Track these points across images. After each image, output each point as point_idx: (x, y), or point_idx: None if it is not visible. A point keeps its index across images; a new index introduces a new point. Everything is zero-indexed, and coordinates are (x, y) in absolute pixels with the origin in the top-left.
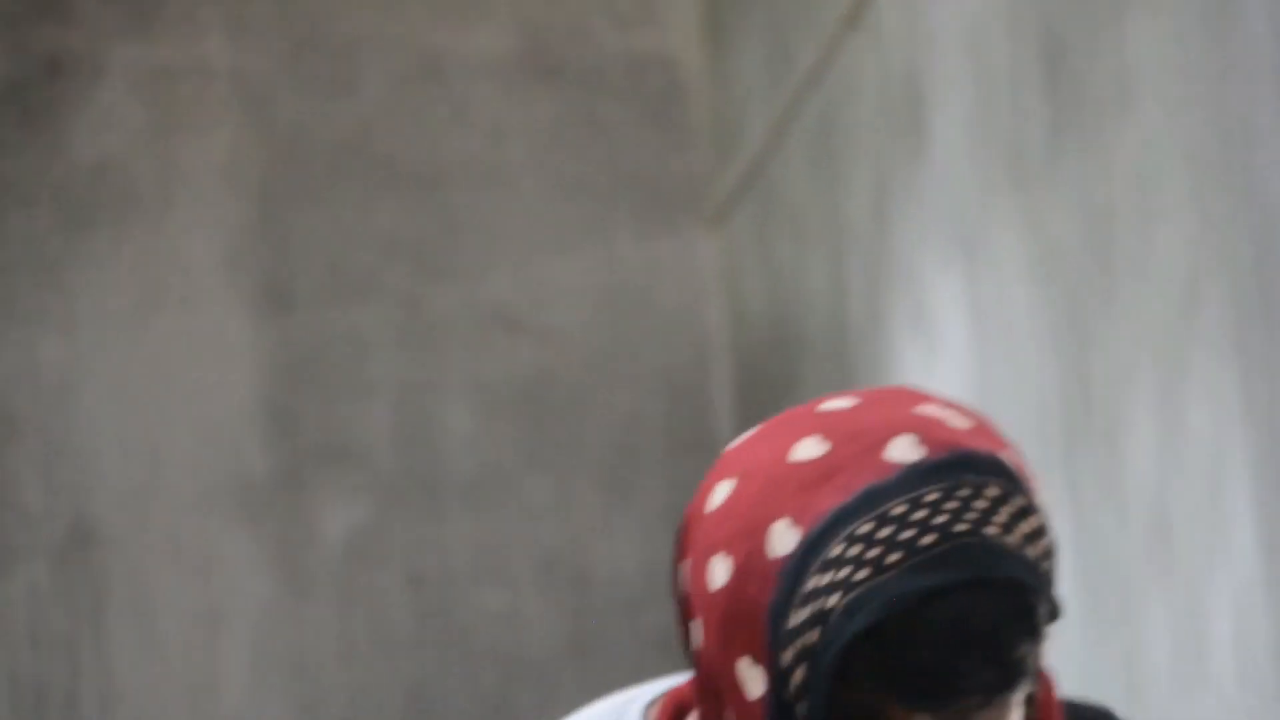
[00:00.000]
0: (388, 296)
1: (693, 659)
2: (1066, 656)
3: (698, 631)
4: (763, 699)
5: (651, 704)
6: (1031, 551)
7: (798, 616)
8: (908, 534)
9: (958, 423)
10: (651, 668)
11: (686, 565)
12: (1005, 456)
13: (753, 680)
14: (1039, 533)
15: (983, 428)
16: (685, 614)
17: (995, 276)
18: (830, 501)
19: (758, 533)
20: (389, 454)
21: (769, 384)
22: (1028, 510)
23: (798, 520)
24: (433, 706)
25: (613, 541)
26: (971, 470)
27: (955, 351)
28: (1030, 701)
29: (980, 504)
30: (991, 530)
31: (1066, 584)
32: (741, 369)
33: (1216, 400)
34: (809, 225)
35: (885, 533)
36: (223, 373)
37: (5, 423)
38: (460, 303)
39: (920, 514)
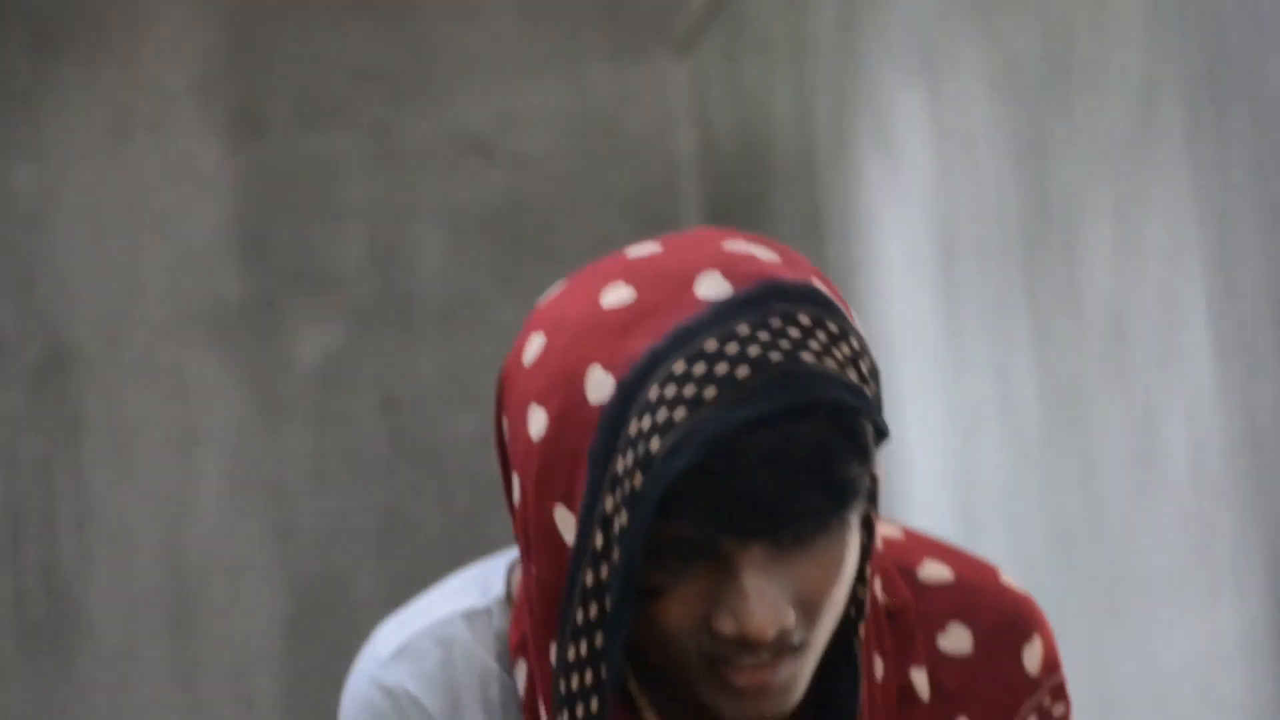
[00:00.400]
0: (360, 122)
1: (512, 513)
2: (1026, 464)
3: (516, 485)
4: (574, 547)
5: (514, 565)
6: (852, 374)
7: (621, 463)
8: (722, 368)
9: (765, 255)
10: None
11: (505, 420)
12: (816, 283)
13: (566, 528)
14: (858, 355)
15: (790, 259)
16: (505, 469)
17: (957, 93)
18: (642, 344)
19: (574, 382)
20: (362, 279)
21: (738, 206)
22: (843, 334)
23: (611, 366)
24: (406, 527)
25: None
26: (782, 299)
27: (918, 168)
28: (868, 526)
29: (793, 332)
30: (807, 356)
31: (1027, 392)
32: (710, 192)
33: (1171, 208)
34: (776, 49)
35: (700, 369)
36: (196, 198)
37: None
38: (432, 129)
39: (733, 347)
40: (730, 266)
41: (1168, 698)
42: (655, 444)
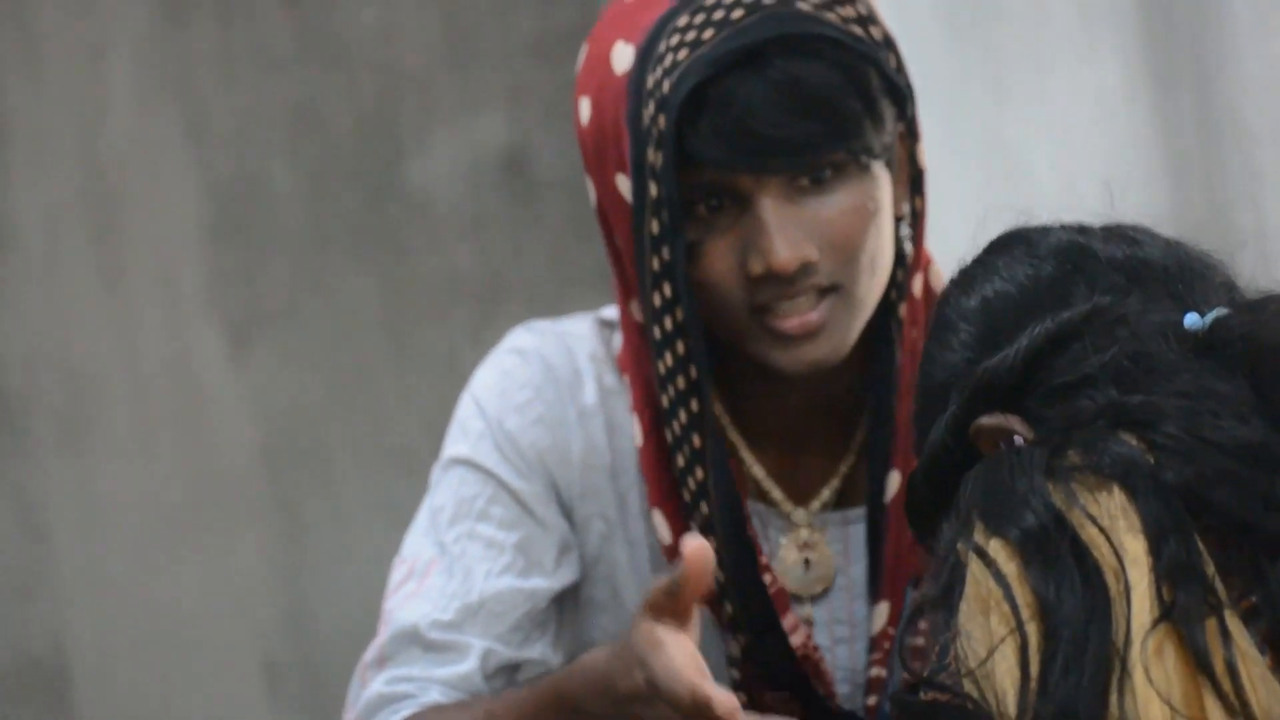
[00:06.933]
0: None
1: (596, 216)
2: None
3: (589, 182)
4: (633, 202)
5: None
6: (857, 30)
7: (646, 114)
8: (719, 14)
9: None
10: (524, 67)
11: (585, 165)
12: None
13: (628, 191)
14: (866, 19)
15: None
16: (604, 223)
17: None
18: (655, 14)
19: (602, 62)
20: None
21: None
22: None
23: (630, 37)
24: (315, 122)
25: None
26: None
27: None
28: (916, 218)
29: None
30: (803, 5)
31: None
32: None
33: None
34: None
35: (699, 19)
36: None
37: None
38: None
39: None
40: None
41: (1065, 149)
42: (666, 85)
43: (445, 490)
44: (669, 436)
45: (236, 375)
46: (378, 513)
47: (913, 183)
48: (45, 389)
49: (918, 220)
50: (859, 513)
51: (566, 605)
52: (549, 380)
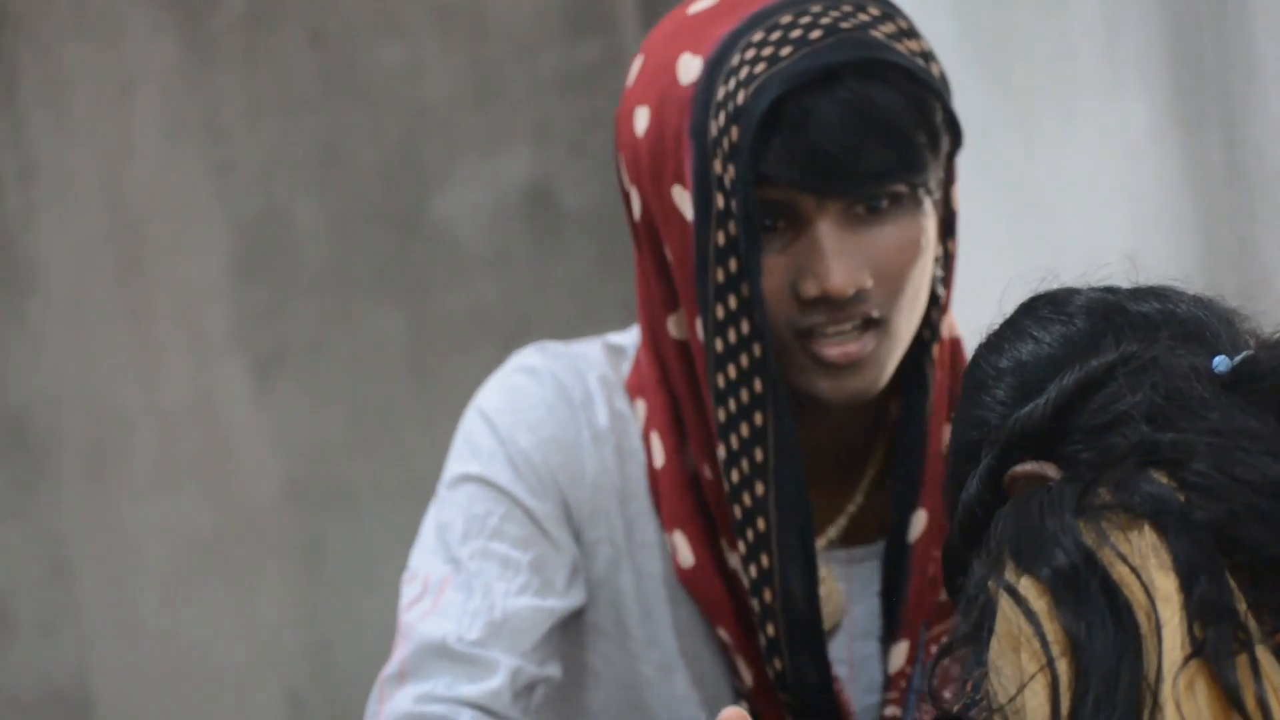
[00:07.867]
0: None
1: (632, 229)
2: None
3: (634, 194)
4: (695, 215)
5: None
6: (921, 64)
7: (715, 126)
8: (796, 33)
9: None
10: (548, 104)
11: (618, 148)
12: None
13: (685, 204)
14: (928, 55)
15: None
16: (624, 190)
17: None
18: (724, 28)
19: (666, 72)
20: None
21: None
22: (914, 33)
23: (698, 50)
24: (343, 160)
25: None
26: None
27: None
28: (947, 260)
29: (863, 16)
30: (877, 33)
31: None
32: None
33: None
34: None
35: (776, 36)
36: None
37: None
38: None
39: (806, 19)
40: None
41: (1092, 189)
42: (741, 97)
43: (453, 507)
44: (722, 452)
45: (261, 411)
46: (401, 547)
47: (945, 225)
48: (71, 426)
49: (949, 263)
50: (863, 552)
51: (567, 628)
52: (561, 400)
